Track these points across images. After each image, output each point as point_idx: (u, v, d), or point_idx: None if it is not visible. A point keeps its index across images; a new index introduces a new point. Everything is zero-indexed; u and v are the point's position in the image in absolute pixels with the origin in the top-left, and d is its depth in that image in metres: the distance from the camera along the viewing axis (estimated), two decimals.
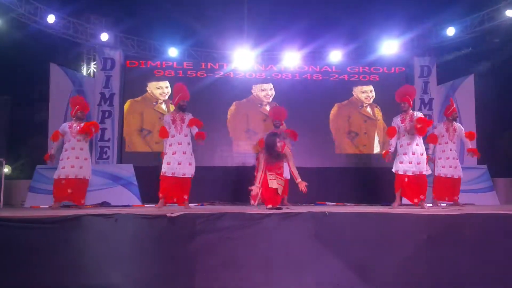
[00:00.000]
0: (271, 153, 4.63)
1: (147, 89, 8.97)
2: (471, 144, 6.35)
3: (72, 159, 5.55)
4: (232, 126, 9.03)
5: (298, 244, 3.31)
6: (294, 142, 6.62)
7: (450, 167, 6.21)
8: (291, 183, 6.38)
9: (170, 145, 5.34)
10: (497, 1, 7.83)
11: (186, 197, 5.34)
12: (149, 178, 6.96)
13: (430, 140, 6.11)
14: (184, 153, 5.30)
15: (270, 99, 9.12)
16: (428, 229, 3.36)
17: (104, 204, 6.79)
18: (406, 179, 5.37)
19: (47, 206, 6.14)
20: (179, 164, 5.25)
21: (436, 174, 6.25)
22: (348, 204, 7.26)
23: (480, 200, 7.17)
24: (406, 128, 5.45)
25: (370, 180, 8.08)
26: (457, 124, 6.39)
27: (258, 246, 3.28)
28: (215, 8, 8.69)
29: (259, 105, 9.13)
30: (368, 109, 9.14)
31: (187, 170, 5.29)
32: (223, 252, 3.25)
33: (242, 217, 3.38)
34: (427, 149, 6.20)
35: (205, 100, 8.59)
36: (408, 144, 5.39)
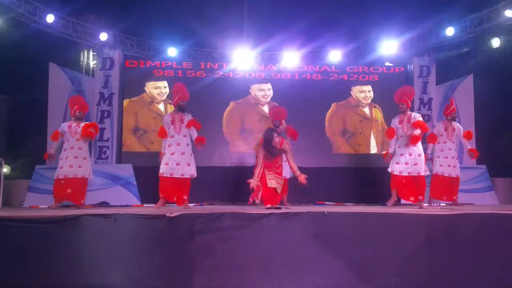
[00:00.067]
0: (268, 148, 4.63)
1: (145, 89, 8.96)
2: (469, 144, 6.36)
3: (71, 158, 5.55)
4: (228, 126, 9.01)
5: (297, 244, 3.31)
6: (293, 142, 6.64)
7: (449, 166, 6.22)
8: (290, 183, 6.40)
9: (169, 145, 5.33)
10: (496, 1, 7.82)
11: (185, 197, 5.34)
12: (148, 178, 6.95)
13: (429, 139, 6.13)
14: (182, 153, 5.29)
15: (268, 99, 9.11)
16: (427, 229, 3.36)
17: (103, 204, 6.78)
18: (404, 180, 5.39)
19: (46, 206, 6.14)
20: (177, 164, 5.25)
21: (433, 173, 6.26)
22: (347, 204, 7.27)
23: (479, 200, 7.18)
24: (403, 130, 5.47)
25: (370, 180, 8.09)
26: (456, 124, 6.40)
27: (257, 246, 3.29)
28: (215, 7, 8.67)
29: (256, 105, 9.11)
30: (365, 109, 9.13)
31: (186, 170, 5.28)
32: (222, 252, 3.25)
33: (241, 217, 3.38)
34: (426, 148, 6.23)
35: (205, 100, 8.58)
36: (406, 145, 5.41)
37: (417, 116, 5.48)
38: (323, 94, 9.07)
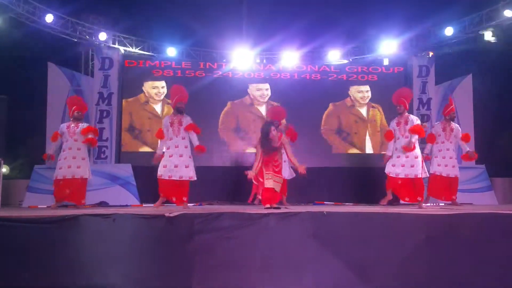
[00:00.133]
0: (266, 142, 4.61)
1: (143, 88, 8.93)
2: (468, 146, 6.34)
3: (69, 159, 5.55)
4: (223, 126, 8.97)
5: (296, 244, 3.31)
6: (292, 143, 6.63)
7: (446, 166, 6.21)
8: (290, 183, 6.40)
9: (168, 148, 5.31)
10: (495, 1, 7.83)
11: (185, 198, 5.32)
12: (147, 178, 6.93)
13: (428, 139, 6.14)
14: (181, 155, 5.25)
15: (266, 99, 9.09)
16: (427, 229, 3.36)
17: (102, 204, 6.78)
18: (400, 182, 5.40)
19: (45, 206, 6.13)
20: (175, 167, 5.22)
21: (431, 172, 6.26)
22: (347, 203, 7.27)
23: (478, 199, 7.18)
24: (401, 132, 5.48)
25: (369, 180, 8.08)
26: (454, 124, 6.39)
27: (256, 246, 3.28)
28: (214, 7, 8.69)
29: (252, 105, 9.09)
30: (362, 110, 9.12)
31: (184, 173, 5.24)
32: (221, 252, 3.24)
33: (241, 216, 3.37)
34: (424, 148, 6.23)
35: (204, 100, 8.56)
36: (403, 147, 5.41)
37: (415, 120, 5.45)
38: (322, 94, 9.06)
